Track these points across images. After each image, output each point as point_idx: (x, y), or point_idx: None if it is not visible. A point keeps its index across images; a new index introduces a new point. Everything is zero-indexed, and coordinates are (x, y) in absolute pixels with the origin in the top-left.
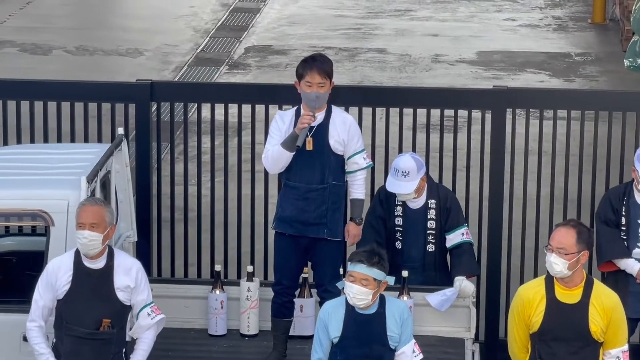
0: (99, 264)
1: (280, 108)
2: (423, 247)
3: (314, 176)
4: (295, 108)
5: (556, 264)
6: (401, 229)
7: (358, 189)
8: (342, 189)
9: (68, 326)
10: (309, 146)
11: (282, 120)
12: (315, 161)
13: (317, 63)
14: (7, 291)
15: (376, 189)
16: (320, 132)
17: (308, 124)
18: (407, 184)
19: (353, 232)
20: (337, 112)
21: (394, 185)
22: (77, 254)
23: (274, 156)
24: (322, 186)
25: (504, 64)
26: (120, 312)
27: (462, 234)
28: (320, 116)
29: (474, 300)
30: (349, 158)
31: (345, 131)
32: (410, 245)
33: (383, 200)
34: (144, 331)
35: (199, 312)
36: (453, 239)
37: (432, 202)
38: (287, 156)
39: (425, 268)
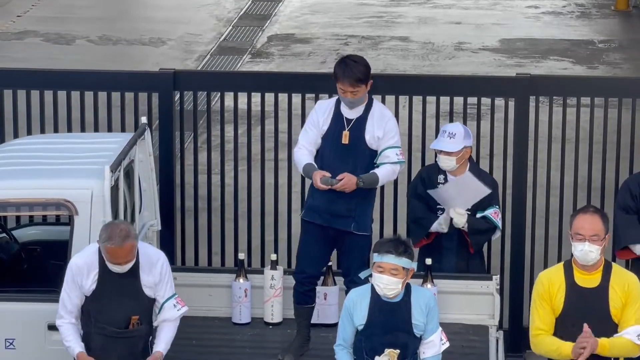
0: None
1: (303, 97)
2: (459, 228)
3: (345, 169)
4: (335, 99)
5: (592, 251)
6: (442, 208)
7: (382, 171)
8: None
9: (98, 325)
10: (345, 140)
11: (320, 112)
12: (349, 154)
13: (348, 71)
14: (32, 280)
15: (400, 186)
16: (358, 126)
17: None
18: (450, 144)
19: (348, 179)
20: (377, 106)
21: (438, 143)
22: (100, 251)
23: (297, 164)
24: None
25: (527, 52)
26: (147, 307)
27: (490, 214)
28: (360, 109)
29: (498, 287)
30: (381, 151)
31: (381, 127)
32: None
33: (425, 178)
34: (169, 322)
35: (223, 301)
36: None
37: None
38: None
39: (460, 248)
